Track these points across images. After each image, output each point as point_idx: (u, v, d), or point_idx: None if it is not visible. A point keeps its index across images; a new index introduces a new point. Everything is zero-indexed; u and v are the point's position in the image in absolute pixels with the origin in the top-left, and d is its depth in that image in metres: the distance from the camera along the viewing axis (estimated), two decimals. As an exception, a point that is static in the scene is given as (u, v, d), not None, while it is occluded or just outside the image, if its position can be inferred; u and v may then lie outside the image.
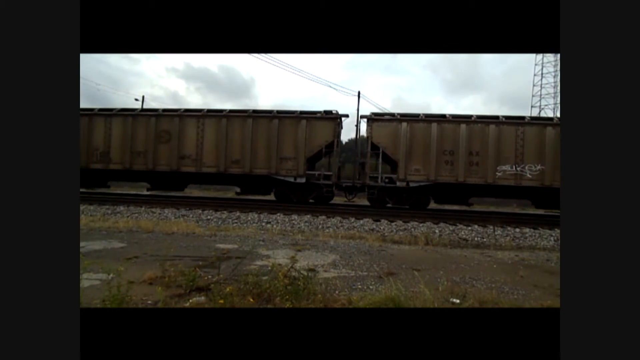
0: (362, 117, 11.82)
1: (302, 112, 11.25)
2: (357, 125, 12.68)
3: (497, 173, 10.24)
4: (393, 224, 8.90)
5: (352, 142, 12.54)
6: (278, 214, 9.58)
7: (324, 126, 11.04)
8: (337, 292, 3.42)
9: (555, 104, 42.91)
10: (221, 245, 5.72)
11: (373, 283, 3.80)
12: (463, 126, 10.46)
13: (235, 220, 9.02)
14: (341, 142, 11.84)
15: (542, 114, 39.48)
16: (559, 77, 33.42)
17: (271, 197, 12.23)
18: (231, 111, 11.53)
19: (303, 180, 10.95)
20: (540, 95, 44.44)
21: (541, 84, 44.43)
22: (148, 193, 13.40)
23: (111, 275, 2.69)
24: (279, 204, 11.32)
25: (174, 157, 11.42)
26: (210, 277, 3.60)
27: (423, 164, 10.63)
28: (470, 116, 10.83)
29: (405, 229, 8.41)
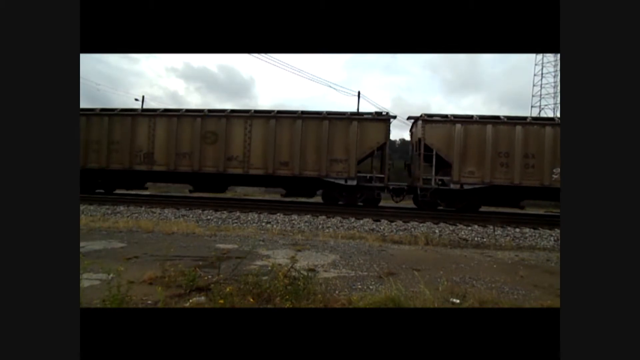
0: (414, 118, 11.69)
1: (352, 114, 11.04)
2: (412, 127, 12.42)
3: (553, 175, 10.11)
4: (393, 224, 8.90)
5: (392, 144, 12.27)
6: (278, 214, 9.59)
7: (375, 128, 10.84)
8: (337, 292, 3.42)
9: (555, 104, 42.91)
10: (221, 245, 5.72)
11: (373, 283, 3.80)
12: (519, 128, 10.33)
13: (235, 220, 9.02)
14: (392, 143, 11.67)
15: (542, 114, 39.48)
16: (559, 77, 33.44)
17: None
18: (279, 112, 11.27)
19: (354, 182, 10.75)
20: (540, 95, 44.46)
21: (541, 84, 44.45)
22: (148, 193, 13.39)
23: (111, 275, 2.69)
24: (279, 203, 11.33)
25: (221, 158, 11.19)
26: (210, 277, 3.60)
27: (477, 166, 10.44)
28: (525, 118, 10.76)
29: (405, 229, 8.41)
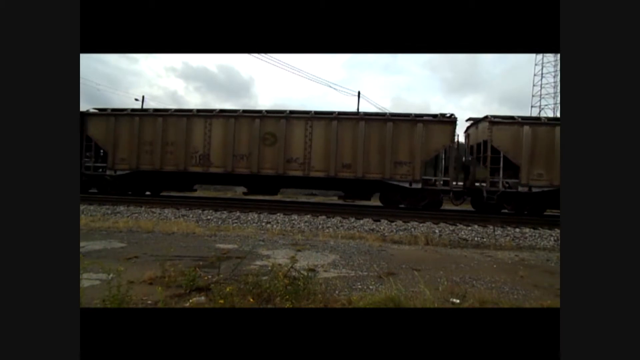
0: (473, 119, 11.51)
1: (417, 115, 10.77)
2: (468, 129, 12.20)
3: None
4: (393, 224, 8.90)
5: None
6: (278, 214, 9.58)
7: (441, 130, 10.59)
8: (337, 292, 3.42)
9: (555, 104, 42.92)
10: (221, 245, 5.72)
11: (373, 283, 3.80)
12: None
13: (235, 220, 9.01)
14: (457, 145, 11.37)
15: (542, 114, 39.48)
16: (559, 77, 33.44)
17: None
18: (340, 113, 11.02)
19: (419, 185, 10.52)
20: (540, 95, 44.47)
21: (541, 84, 44.46)
22: (141, 195, 13.33)
23: (111, 275, 2.69)
24: (279, 203, 11.32)
25: (280, 160, 10.95)
26: (210, 277, 3.60)
27: (546, 168, 10.21)
28: None
29: (405, 229, 8.41)
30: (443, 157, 10.92)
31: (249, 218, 9.20)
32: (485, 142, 10.81)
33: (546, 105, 43.81)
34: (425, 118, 10.74)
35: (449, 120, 10.74)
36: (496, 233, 8.23)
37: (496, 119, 10.74)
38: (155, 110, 12.15)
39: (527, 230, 8.53)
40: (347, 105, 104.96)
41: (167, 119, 11.63)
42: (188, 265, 3.85)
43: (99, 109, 12.58)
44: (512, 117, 10.83)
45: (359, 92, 23.45)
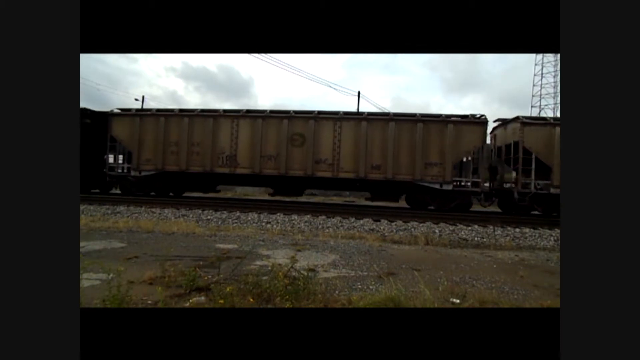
0: (502, 120, 11.35)
1: (448, 116, 10.70)
2: (494, 130, 12.07)
3: None
4: (393, 224, 8.90)
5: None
6: (278, 214, 9.58)
7: (471, 131, 10.50)
8: (337, 292, 3.42)
9: (555, 104, 42.93)
10: (221, 245, 5.72)
11: (373, 283, 3.80)
12: None
13: (235, 220, 9.02)
14: (487, 147, 11.27)
15: (542, 114, 39.49)
16: (559, 77, 33.45)
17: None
18: (370, 114, 11.03)
19: (450, 187, 10.42)
20: (540, 95, 44.48)
21: (541, 84, 44.46)
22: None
23: (111, 275, 2.69)
24: (279, 203, 11.31)
25: (309, 161, 10.82)
26: (210, 277, 3.60)
27: None
28: None
29: (405, 229, 8.41)
30: (475, 158, 10.83)
31: (249, 218, 9.20)
32: (515, 143, 10.69)
33: (546, 105, 43.84)
34: (456, 119, 10.65)
35: (480, 121, 10.66)
36: (496, 233, 8.23)
37: (528, 120, 10.70)
38: (181, 110, 11.93)
39: (527, 230, 8.53)
40: (347, 105, 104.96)
41: (193, 119, 11.45)
42: (188, 265, 3.85)
43: (122, 109, 12.41)
44: (543, 118, 10.79)
45: (359, 92, 23.46)
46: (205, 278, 3.54)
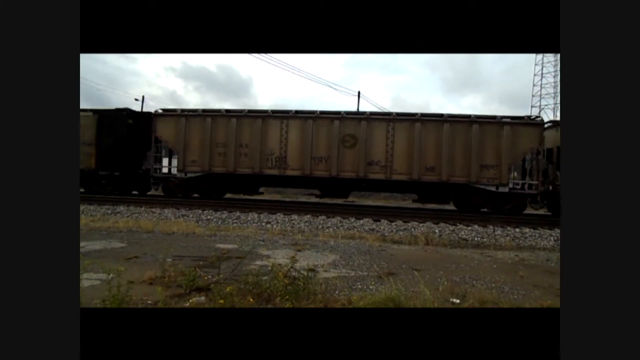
0: (553, 122, 11.24)
1: (503, 117, 10.49)
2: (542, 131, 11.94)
3: None
4: (393, 224, 8.90)
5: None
6: (278, 214, 9.58)
7: (528, 132, 10.24)
8: (337, 292, 3.42)
9: (555, 104, 42.93)
10: (221, 245, 5.72)
11: (373, 283, 3.80)
12: None
13: (235, 220, 9.01)
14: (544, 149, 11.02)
15: (542, 114, 39.51)
16: (559, 77, 33.44)
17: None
18: (423, 115, 10.68)
19: (506, 189, 10.20)
20: (540, 95, 44.49)
21: (541, 84, 44.47)
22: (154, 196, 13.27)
23: (111, 275, 2.69)
24: (279, 203, 11.30)
25: (361, 163, 10.55)
26: (210, 277, 3.60)
27: None
28: None
29: (405, 229, 8.41)
30: (531, 160, 10.63)
31: (249, 218, 9.20)
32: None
33: (546, 105, 43.85)
34: (512, 120, 10.51)
35: (537, 123, 10.53)
36: (496, 233, 8.23)
37: None
38: (227, 110, 11.65)
39: (527, 230, 8.53)
40: (348, 105, 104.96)
41: (241, 119, 11.20)
42: (188, 265, 3.85)
43: (166, 110, 12.20)
44: None
45: (359, 92, 23.46)
46: (205, 278, 3.54)
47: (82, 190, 12.81)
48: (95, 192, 12.12)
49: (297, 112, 11.23)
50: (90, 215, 8.89)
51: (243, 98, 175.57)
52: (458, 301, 3.19)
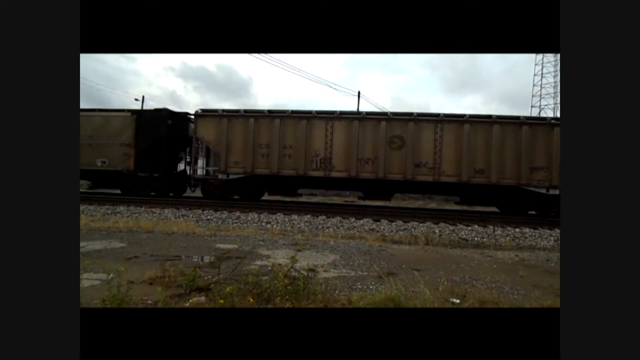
0: None
1: (553, 119, 10.49)
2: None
3: None
4: (393, 224, 8.90)
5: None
6: (278, 214, 9.58)
7: None
8: (337, 292, 3.42)
9: (555, 104, 42.92)
10: (221, 245, 5.72)
11: (373, 283, 3.80)
12: None
13: (235, 220, 9.01)
14: None
15: (542, 114, 39.49)
16: (559, 77, 33.43)
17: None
18: (471, 116, 10.55)
19: (557, 191, 9.97)
20: (540, 95, 44.48)
21: (541, 84, 44.46)
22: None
23: (111, 275, 2.69)
24: (279, 203, 11.29)
25: (409, 165, 10.39)
26: (210, 277, 3.60)
27: None
28: None
29: (405, 229, 8.41)
30: None
31: (249, 218, 9.20)
32: None
33: (546, 105, 43.84)
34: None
35: None
36: (496, 233, 8.23)
37: None
38: (270, 111, 11.42)
39: (527, 230, 8.53)
40: (348, 105, 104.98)
41: (284, 120, 11.02)
42: (188, 265, 3.85)
43: (205, 110, 11.88)
44: None
45: (359, 92, 23.47)
46: (205, 278, 3.54)
47: (118, 191, 12.78)
48: (132, 194, 11.95)
49: (341, 112, 11.05)
50: (90, 215, 8.89)
51: (243, 98, 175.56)
52: (458, 301, 3.19)
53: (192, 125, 12.92)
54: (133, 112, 12.24)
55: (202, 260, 4.77)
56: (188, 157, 12.80)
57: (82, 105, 10.86)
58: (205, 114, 11.67)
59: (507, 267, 5.02)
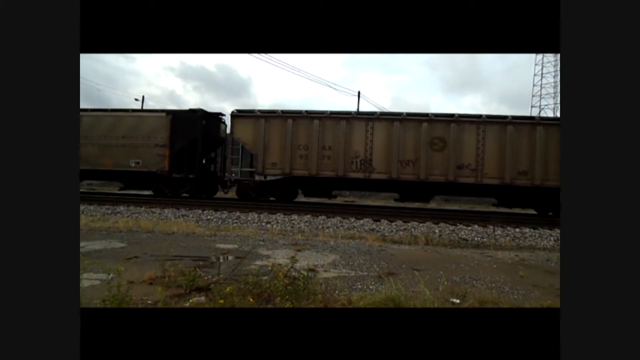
0: None
1: None
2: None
3: None
4: (393, 224, 8.90)
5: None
6: (278, 214, 9.58)
7: None
8: (337, 292, 3.42)
9: (555, 104, 42.92)
10: (221, 245, 5.72)
11: (373, 283, 3.80)
12: None
13: (235, 220, 9.01)
14: None
15: (542, 114, 39.48)
16: (559, 77, 33.42)
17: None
18: (515, 117, 10.49)
19: None
20: (540, 95, 44.48)
21: (541, 84, 44.45)
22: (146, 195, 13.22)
23: (111, 275, 2.69)
24: (278, 204, 11.29)
25: (451, 167, 10.28)
26: (210, 277, 3.60)
27: None
28: None
29: (405, 229, 8.41)
30: None
31: (249, 218, 9.20)
32: None
33: (546, 105, 43.84)
34: None
35: None
36: (496, 233, 8.23)
37: None
38: (308, 112, 11.24)
39: (527, 230, 8.53)
40: (347, 105, 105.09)
41: (324, 121, 10.88)
42: (188, 265, 3.85)
43: (240, 110, 11.64)
44: None
45: (359, 92, 23.47)
46: (205, 278, 3.54)
47: (150, 193, 12.63)
48: (164, 196, 11.80)
49: (382, 113, 10.99)
50: (90, 215, 8.89)
51: (243, 98, 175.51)
52: (458, 301, 3.19)
53: (222, 126, 12.93)
54: (168, 112, 12.06)
55: (202, 260, 4.77)
56: (219, 157, 12.73)
57: (82, 105, 10.86)
58: (242, 115, 11.47)
59: (507, 267, 5.02)
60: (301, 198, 12.88)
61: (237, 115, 11.47)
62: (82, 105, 11.48)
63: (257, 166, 11.20)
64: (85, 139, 11.68)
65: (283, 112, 11.33)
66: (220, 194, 13.31)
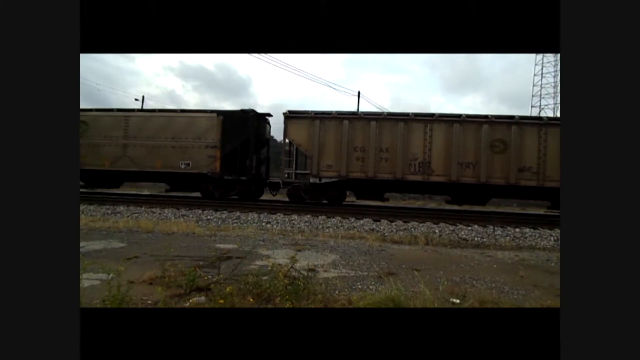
0: None
1: None
2: None
3: None
4: (393, 224, 8.90)
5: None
6: (278, 214, 9.58)
7: None
8: (337, 292, 3.42)
9: (555, 104, 42.92)
10: (221, 245, 5.72)
11: (373, 283, 3.80)
12: None
13: (235, 220, 9.01)
14: None
15: (542, 114, 39.47)
16: (559, 77, 33.42)
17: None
18: None
19: None
20: (540, 95, 44.48)
21: (541, 84, 44.45)
22: (153, 193, 13.23)
23: (111, 275, 2.69)
24: (279, 203, 11.28)
25: (512, 169, 10.15)
26: (210, 277, 3.60)
27: None
28: None
29: (405, 229, 8.41)
30: None
31: (249, 218, 9.20)
32: None
33: (546, 105, 43.85)
34: None
35: None
36: (496, 233, 8.23)
37: None
38: (365, 113, 11.16)
39: (527, 230, 8.53)
40: (347, 105, 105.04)
41: (381, 122, 10.74)
42: (188, 265, 3.85)
43: (292, 111, 11.41)
44: None
45: (359, 92, 23.47)
46: (205, 278, 3.54)
47: (198, 195, 12.34)
48: (213, 198, 11.64)
49: (440, 115, 10.78)
50: (90, 215, 8.89)
51: (242, 97, 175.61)
52: (458, 301, 3.19)
53: (268, 127, 12.83)
54: (219, 113, 11.84)
55: (202, 260, 4.77)
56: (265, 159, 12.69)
57: (82, 106, 10.84)
58: (295, 116, 11.28)
59: (507, 267, 5.02)
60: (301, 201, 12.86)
61: (290, 116, 11.24)
62: (82, 106, 11.48)
63: (312, 168, 11.01)
64: (134, 140, 11.63)
65: (338, 113, 11.15)
66: (267, 196, 13.05)
